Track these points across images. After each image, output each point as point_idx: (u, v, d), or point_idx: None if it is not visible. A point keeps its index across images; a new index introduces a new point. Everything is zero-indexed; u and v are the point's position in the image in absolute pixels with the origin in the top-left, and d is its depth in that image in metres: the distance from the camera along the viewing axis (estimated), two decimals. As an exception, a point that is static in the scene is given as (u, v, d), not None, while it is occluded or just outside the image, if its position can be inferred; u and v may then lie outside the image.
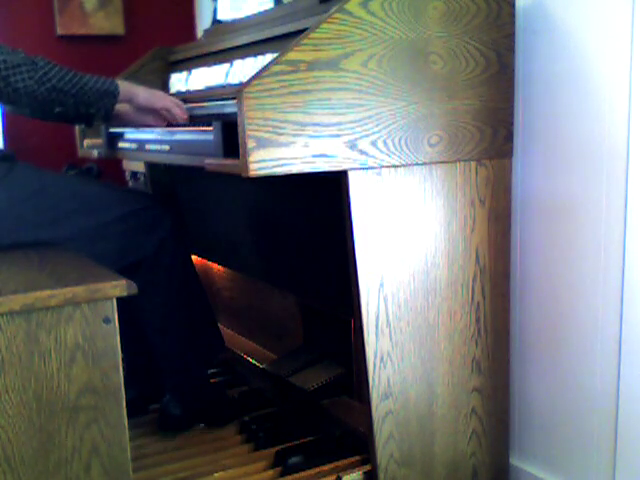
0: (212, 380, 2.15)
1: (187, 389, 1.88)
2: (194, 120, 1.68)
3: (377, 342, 1.45)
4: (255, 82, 1.24)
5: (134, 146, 1.90)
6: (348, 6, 1.29)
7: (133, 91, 1.65)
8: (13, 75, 1.47)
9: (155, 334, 1.84)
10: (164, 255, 1.76)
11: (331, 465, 1.60)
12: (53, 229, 1.63)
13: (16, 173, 1.62)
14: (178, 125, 1.72)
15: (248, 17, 2.02)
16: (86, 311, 1.24)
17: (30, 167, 1.68)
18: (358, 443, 1.65)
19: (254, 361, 2.16)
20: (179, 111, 1.69)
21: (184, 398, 1.86)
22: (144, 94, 1.67)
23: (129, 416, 1.24)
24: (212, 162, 1.43)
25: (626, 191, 1.38)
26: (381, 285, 1.43)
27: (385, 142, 1.36)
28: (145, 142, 1.83)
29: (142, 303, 1.74)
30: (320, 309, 1.94)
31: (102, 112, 1.61)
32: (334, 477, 1.57)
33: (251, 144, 1.25)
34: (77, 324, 1.24)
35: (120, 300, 1.27)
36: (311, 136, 1.29)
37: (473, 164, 1.49)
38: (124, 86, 1.63)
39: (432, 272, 1.49)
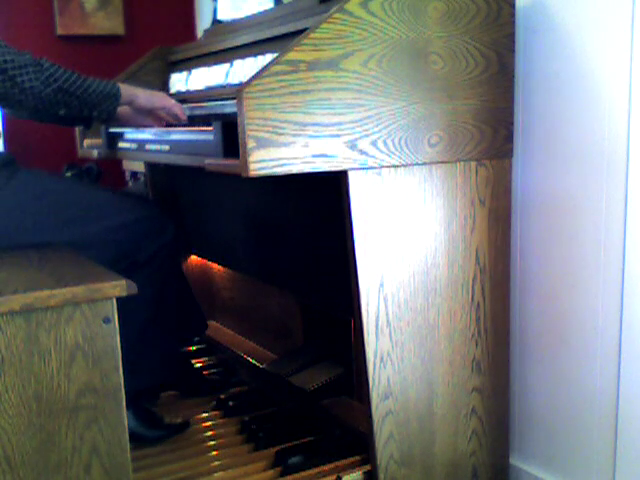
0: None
1: (154, 366, 1.89)
2: (194, 120, 1.68)
3: (377, 342, 1.45)
4: (255, 82, 1.24)
5: (134, 146, 1.90)
6: (348, 6, 1.29)
7: (134, 93, 1.67)
8: (20, 75, 1.48)
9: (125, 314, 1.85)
10: (154, 261, 1.78)
11: (331, 465, 1.60)
12: (53, 235, 1.63)
13: (18, 179, 1.63)
14: (178, 125, 1.72)
15: (248, 17, 2.02)
16: (86, 311, 1.24)
17: (32, 172, 1.69)
18: (358, 443, 1.65)
19: (254, 361, 2.16)
20: (178, 111, 1.70)
21: (147, 374, 1.87)
22: (144, 95, 1.69)
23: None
24: (212, 162, 1.43)
25: (626, 191, 1.38)
26: (381, 285, 1.43)
27: (385, 142, 1.36)
28: (145, 142, 1.83)
29: None
30: (320, 309, 1.94)
31: (104, 115, 1.63)
32: (334, 477, 1.57)
33: (251, 144, 1.24)
34: (77, 324, 1.24)
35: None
36: (311, 136, 1.29)
37: (473, 164, 1.49)
38: (125, 89, 1.65)
39: (432, 272, 1.49)
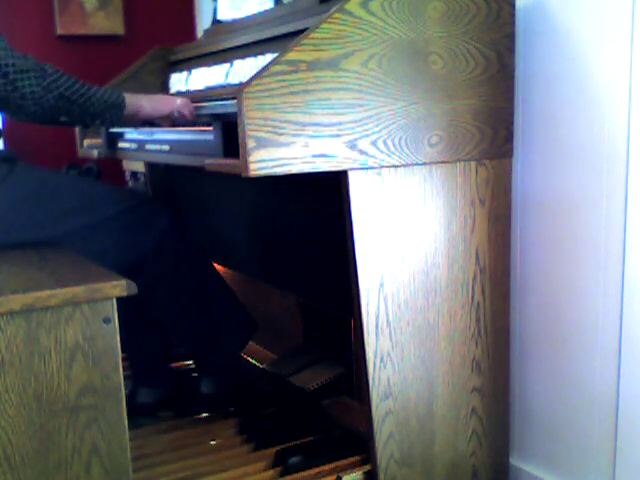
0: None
1: (220, 369, 1.89)
2: (194, 120, 1.68)
3: (377, 342, 1.45)
4: (255, 82, 1.24)
5: (134, 146, 1.90)
6: (348, 6, 1.29)
7: (139, 103, 1.65)
8: (21, 80, 1.47)
9: (176, 325, 1.84)
10: (166, 248, 1.77)
11: (331, 465, 1.60)
12: (52, 228, 1.64)
13: (16, 173, 1.63)
14: (178, 125, 1.72)
15: (248, 17, 2.02)
16: (86, 311, 1.24)
17: (30, 167, 1.69)
18: (358, 443, 1.65)
19: (254, 361, 2.16)
20: (188, 112, 1.69)
21: (216, 378, 1.87)
22: (149, 104, 1.67)
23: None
24: (212, 162, 1.43)
25: (626, 191, 1.38)
26: (381, 285, 1.43)
27: (385, 142, 1.36)
28: (145, 142, 1.83)
29: (155, 298, 1.75)
30: (320, 309, 1.94)
31: (107, 124, 1.66)
32: (334, 477, 1.58)
33: (251, 144, 1.25)
34: (77, 324, 1.24)
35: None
36: (311, 136, 1.29)
37: (473, 164, 1.49)
38: (130, 99, 1.63)
39: (432, 272, 1.49)
